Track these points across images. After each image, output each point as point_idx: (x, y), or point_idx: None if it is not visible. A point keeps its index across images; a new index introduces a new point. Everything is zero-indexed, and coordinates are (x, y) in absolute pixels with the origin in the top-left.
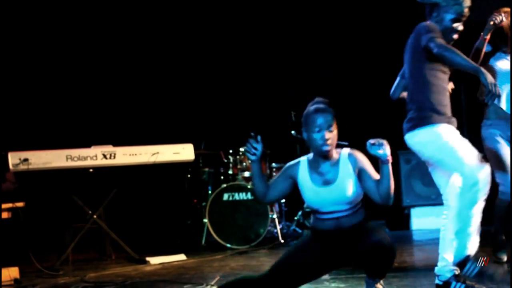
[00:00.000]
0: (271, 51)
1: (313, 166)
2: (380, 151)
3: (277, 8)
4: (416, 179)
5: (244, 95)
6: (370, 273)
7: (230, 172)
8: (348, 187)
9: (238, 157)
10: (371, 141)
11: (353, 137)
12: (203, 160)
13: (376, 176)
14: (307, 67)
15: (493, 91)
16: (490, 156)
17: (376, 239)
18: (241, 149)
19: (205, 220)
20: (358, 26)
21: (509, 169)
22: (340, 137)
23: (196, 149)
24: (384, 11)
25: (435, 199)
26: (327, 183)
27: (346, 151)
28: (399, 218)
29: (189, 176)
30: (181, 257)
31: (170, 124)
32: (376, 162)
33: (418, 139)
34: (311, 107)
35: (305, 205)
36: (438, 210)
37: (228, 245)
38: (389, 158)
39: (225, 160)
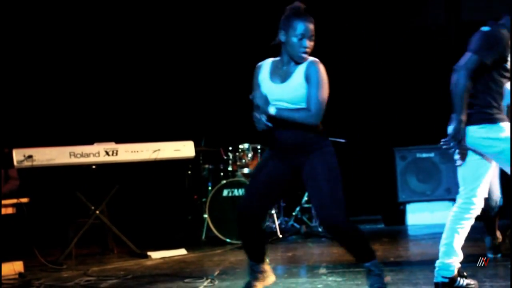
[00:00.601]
0: (269, 50)
1: (277, 65)
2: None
3: (276, 9)
4: (411, 176)
5: (243, 95)
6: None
7: (230, 168)
8: (296, 87)
9: (237, 154)
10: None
11: (349, 135)
12: (203, 157)
13: (309, 101)
14: None
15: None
16: None
17: (320, 218)
18: (241, 147)
19: (205, 216)
20: (356, 23)
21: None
22: (337, 134)
23: (196, 146)
24: (381, 9)
25: (430, 195)
26: (280, 80)
27: (309, 60)
28: (394, 213)
29: (189, 172)
30: (182, 251)
31: (171, 122)
32: None
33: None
34: (295, 11)
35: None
36: (433, 206)
37: (228, 240)
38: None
39: (225, 157)
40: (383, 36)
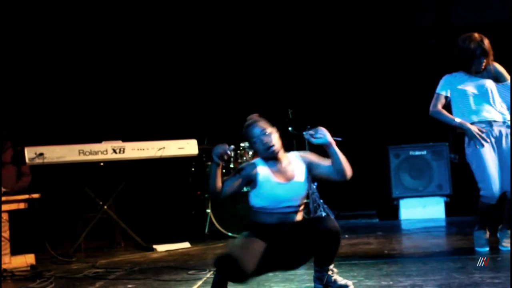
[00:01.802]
0: (270, 51)
1: (271, 165)
2: (320, 136)
3: (278, 9)
4: (404, 173)
5: (243, 96)
6: (320, 261)
7: (232, 166)
8: (304, 183)
9: (238, 152)
10: (310, 132)
11: (346, 133)
12: (206, 154)
13: (324, 161)
14: (304, 68)
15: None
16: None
17: (324, 226)
18: (242, 145)
19: (208, 211)
20: (351, 25)
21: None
22: (334, 133)
23: (199, 144)
24: (375, 11)
25: (422, 191)
26: (288, 179)
27: (294, 153)
28: (388, 208)
29: (193, 169)
30: (186, 245)
31: (175, 121)
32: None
33: None
34: (245, 125)
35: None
36: (425, 201)
37: (230, 234)
38: (331, 140)
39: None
40: (377, 38)
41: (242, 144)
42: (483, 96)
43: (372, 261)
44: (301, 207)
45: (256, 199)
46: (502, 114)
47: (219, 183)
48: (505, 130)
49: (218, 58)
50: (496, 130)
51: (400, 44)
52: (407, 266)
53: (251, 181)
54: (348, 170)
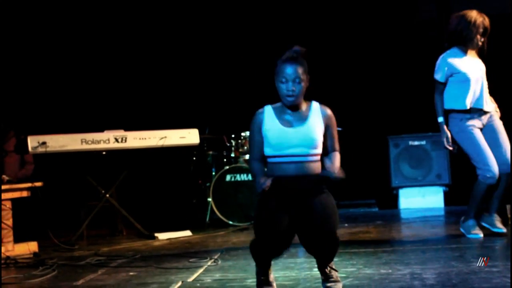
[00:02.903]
0: (271, 39)
1: (281, 112)
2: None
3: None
4: (404, 162)
5: (244, 86)
6: (321, 263)
7: (233, 155)
8: (316, 130)
9: (239, 141)
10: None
11: (346, 123)
12: (208, 144)
13: (334, 143)
14: (305, 58)
15: None
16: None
17: (322, 234)
18: (243, 134)
19: (209, 199)
20: (351, 17)
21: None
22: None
23: (201, 133)
24: (375, 3)
25: (421, 180)
26: (295, 124)
27: (317, 104)
28: (388, 198)
29: (194, 158)
30: (187, 233)
31: (177, 111)
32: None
33: None
34: (284, 57)
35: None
36: (424, 190)
37: (230, 222)
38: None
39: (228, 144)
40: (378, 30)
41: (242, 134)
42: (478, 81)
43: (371, 249)
44: (317, 158)
45: (266, 148)
46: (491, 104)
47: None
48: (491, 117)
49: (220, 47)
50: (485, 118)
51: (400, 35)
52: (406, 255)
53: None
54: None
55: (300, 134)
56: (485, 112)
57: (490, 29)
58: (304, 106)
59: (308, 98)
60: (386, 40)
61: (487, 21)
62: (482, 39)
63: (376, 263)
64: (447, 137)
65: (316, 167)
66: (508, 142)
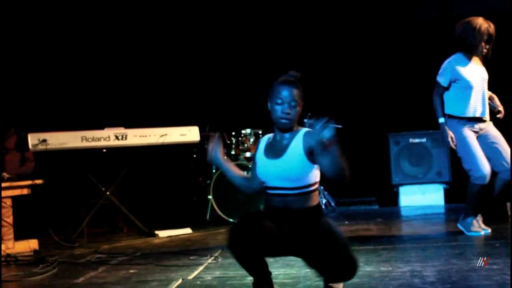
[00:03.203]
0: (271, 39)
1: (272, 139)
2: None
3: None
4: (404, 160)
5: (244, 84)
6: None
7: (233, 152)
8: (293, 163)
9: (240, 139)
10: (312, 122)
11: (346, 121)
12: (208, 141)
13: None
14: (304, 56)
15: None
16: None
17: (338, 268)
18: (243, 132)
19: (210, 197)
20: (351, 15)
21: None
22: (335, 120)
23: (201, 131)
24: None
25: (421, 178)
26: (275, 156)
27: (305, 130)
28: (388, 195)
29: (194, 156)
30: (187, 230)
31: (177, 108)
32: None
33: None
34: (281, 79)
35: None
36: (425, 188)
37: (231, 220)
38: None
39: (228, 142)
40: (378, 28)
41: (243, 132)
42: (479, 90)
43: (371, 247)
44: (301, 191)
45: (257, 174)
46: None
47: (237, 178)
48: (488, 126)
49: (221, 44)
50: (482, 126)
51: (399, 33)
52: (406, 252)
53: None
54: (342, 176)
55: (278, 168)
56: (483, 121)
57: (495, 37)
58: (293, 133)
59: (310, 95)
60: (386, 38)
61: (492, 28)
62: (487, 47)
63: (376, 260)
64: (451, 137)
65: (305, 200)
66: (508, 149)
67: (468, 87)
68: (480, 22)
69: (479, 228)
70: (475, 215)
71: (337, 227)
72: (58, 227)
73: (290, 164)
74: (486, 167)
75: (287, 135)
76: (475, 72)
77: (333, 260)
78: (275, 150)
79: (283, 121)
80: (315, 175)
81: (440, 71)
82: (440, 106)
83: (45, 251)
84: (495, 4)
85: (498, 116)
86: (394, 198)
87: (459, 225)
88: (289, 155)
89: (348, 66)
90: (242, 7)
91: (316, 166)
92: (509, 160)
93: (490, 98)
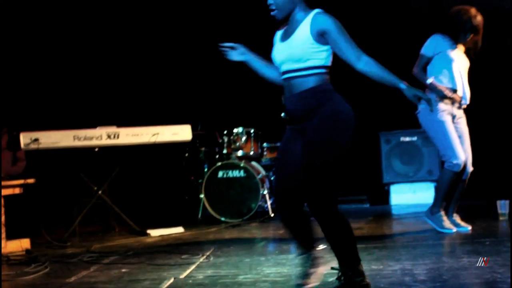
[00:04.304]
0: (263, 36)
1: (288, 26)
2: None
3: None
4: (395, 158)
5: (237, 82)
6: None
7: (225, 151)
8: (297, 43)
9: (232, 137)
10: None
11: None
12: (200, 140)
13: (349, 51)
14: None
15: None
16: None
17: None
18: (235, 131)
19: (202, 196)
20: (345, 9)
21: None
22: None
23: (193, 130)
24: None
25: (412, 176)
26: (286, 39)
27: (314, 11)
28: (379, 194)
29: (186, 155)
30: (179, 229)
31: (169, 107)
32: None
33: None
34: None
35: None
36: (416, 186)
37: (223, 219)
38: None
39: (220, 141)
40: (369, 24)
41: (235, 130)
42: (463, 73)
43: (362, 245)
44: (305, 72)
45: None
46: (466, 98)
47: (270, 69)
48: (462, 112)
49: (213, 44)
50: (458, 113)
51: (391, 29)
52: (397, 251)
53: None
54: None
55: (286, 49)
56: (460, 106)
57: (482, 29)
58: (303, 14)
59: None
60: (377, 34)
61: (477, 20)
62: (470, 37)
63: (367, 259)
64: (441, 92)
65: (307, 82)
66: (470, 149)
67: (450, 62)
68: (464, 12)
69: (451, 224)
70: (442, 207)
71: (329, 141)
72: (50, 226)
73: (295, 43)
74: (462, 155)
75: (298, 16)
76: (458, 56)
77: (305, 175)
78: (287, 34)
79: (272, 13)
80: (321, 57)
81: (425, 44)
82: (424, 76)
83: (37, 251)
84: (488, 1)
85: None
86: (385, 197)
87: (427, 219)
88: (296, 36)
89: (338, 63)
90: (235, 6)
91: (325, 48)
92: (470, 161)
93: None
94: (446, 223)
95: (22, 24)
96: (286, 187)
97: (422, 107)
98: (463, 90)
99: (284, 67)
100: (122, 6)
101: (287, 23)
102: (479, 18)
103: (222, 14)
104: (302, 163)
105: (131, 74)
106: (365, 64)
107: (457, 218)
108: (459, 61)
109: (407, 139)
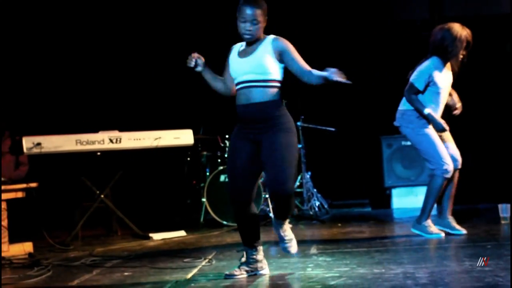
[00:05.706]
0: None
1: (245, 46)
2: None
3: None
4: (397, 162)
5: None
6: (276, 216)
7: (226, 155)
8: (263, 58)
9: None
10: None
11: (339, 124)
12: (202, 144)
13: (301, 65)
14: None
15: None
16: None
17: (273, 189)
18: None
19: (204, 200)
20: (343, 16)
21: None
22: (327, 123)
23: (195, 134)
24: (367, 3)
25: (414, 180)
26: (247, 55)
27: (272, 36)
28: (381, 197)
29: (188, 159)
30: (182, 233)
31: (171, 112)
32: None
33: None
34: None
35: None
36: (417, 190)
37: (225, 223)
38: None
39: (222, 145)
40: (370, 30)
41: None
42: (445, 96)
43: (364, 249)
44: (266, 83)
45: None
46: None
47: (220, 83)
48: None
49: (214, 47)
50: None
51: (393, 35)
52: (399, 254)
53: None
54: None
55: (249, 63)
56: None
57: (472, 43)
58: (260, 40)
59: (303, 97)
60: (379, 40)
61: (470, 35)
62: (464, 52)
63: (369, 262)
64: (443, 122)
65: (267, 93)
66: (456, 148)
67: (438, 93)
68: (460, 30)
69: (438, 230)
70: (429, 218)
71: (288, 143)
72: (53, 230)
73: (259, 59)
74: (450, 162)
75: (256, 42)
76: (446, 78)
77: (269, 170)
78: (247, 52)
79: (246, 36)
80: (279, 73)
81: (417, 74)
82: (420, 102)
83: (40, 254)
84: (487, 7)
85: (454, 113)
86: (386, 201)
87: (414, 230)
88: (259, 53)
89: (340, 68)
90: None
91: (281, 65)
92: (459, 159)
93: (450, 94)
94: (433, 228)
95: (25, 28)
96: (237, 186)
97: (408, 128)
98: (441, 110)
99: (246, 78)
100: (124, 11)
101: (246, 42)
102: (469, 32)
103: (222, 18)
104: (276, 158)
105: (133, 79)
106: (313, 76)
107: (452, 221)
108: (447, 85)
109: (409, 143)
